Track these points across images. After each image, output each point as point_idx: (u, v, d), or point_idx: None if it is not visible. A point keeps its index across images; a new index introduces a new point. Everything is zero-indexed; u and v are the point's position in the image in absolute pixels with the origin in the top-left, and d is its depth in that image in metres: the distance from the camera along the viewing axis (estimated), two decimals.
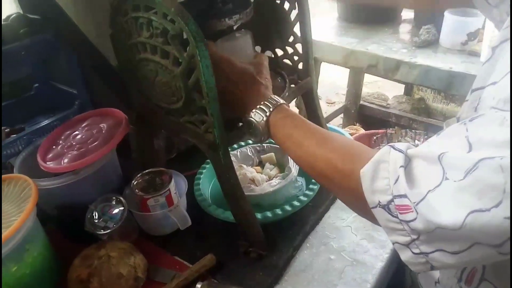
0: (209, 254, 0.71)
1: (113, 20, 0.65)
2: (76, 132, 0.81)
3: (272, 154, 0.93)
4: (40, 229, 0.68)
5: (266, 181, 0.84)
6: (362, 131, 1.94)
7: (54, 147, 0.79)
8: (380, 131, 1.87)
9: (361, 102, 2.22)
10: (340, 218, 0.81)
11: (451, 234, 0.37)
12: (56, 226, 0.79)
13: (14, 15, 0.84)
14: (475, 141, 0.37)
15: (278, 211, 0.75)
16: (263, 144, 0.94)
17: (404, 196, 0.40)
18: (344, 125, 2.24)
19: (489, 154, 0.35)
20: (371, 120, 2.17)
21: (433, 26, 1.46)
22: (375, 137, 1.85)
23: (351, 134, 1.36)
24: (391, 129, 1.83)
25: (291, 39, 0.78)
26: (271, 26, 0.78)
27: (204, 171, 0.89)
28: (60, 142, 0.80)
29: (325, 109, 2.56)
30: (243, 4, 0.68)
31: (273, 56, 0.83)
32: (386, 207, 0.42)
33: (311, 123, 0.58)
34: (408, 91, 2.37)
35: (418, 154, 0.41)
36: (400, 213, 0.40)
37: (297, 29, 0.76)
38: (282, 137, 0.58)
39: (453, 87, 1.30)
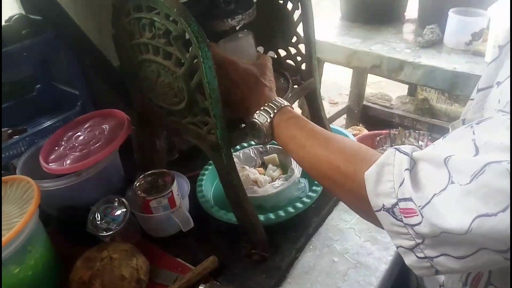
0: (212, 256, 0.70)
1: (115, 20, 0.64)
2: (79, 133, 0.81)
3: (275, 155, 0.92)
4: (42, 230, 0.68)
5: (269, 183, 0.84)
6: (365, 131, 1.94)
7: (56, 148, 0.79)
8: (383, 131, 1.86)
9: (364, 102, 2.21)
10: (343, 220, 0.81)
11: (456, 239, 0.36)
12: (58, 228, 0.78)
13: (16, 15, 0.84)
14: (482, 145, 0.36)
15: (281, 213, 0.75)
16: (266, 145, 0.93)
17: (409, 199, 0.39)
18: (347, 126, 2.23)
19: (496, 158, 0.34)
20: (374, 121, 2.16)
21: (437, 26, 1.45)
22: (378, 138, 1.84)
23: (354, 135, 1.35)
24: (394, 129, 1.83)
25: (294, 39, 0.77)
26: (274, 26, 0.78)
27: (206, 172, 0.89)
28: (62, 143, 0.80)
29: (328, 110, 2.56)
30: (246, 5, 0.67)
31: (276, 56, 0.82)
32: (390, 210, 0.41)
33: (315, 124, 0.57)
34: (412, 91, 2.35)
35: (423, 157, 0.41)
36: (405, 217, 0.40)
37: (300, 29, 0.75)
38: (285, 138, 0.58)
39: (457, 87, 1.29)
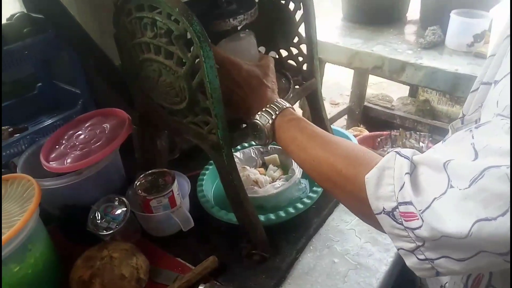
0: (212, 256, 0.70)
1: (117, 20, 0.64)
2: (79, 132, 0.81)
3: (276, 155, 0.92)
4: (43, 229, 0.68)
5: (270, 183, 0.84)
6: (366, 132, 1.94)
7: (57, 147, 0.79)
8: (384, 133, 1.86)
9: (366, 103, 2.21)
10: (344, 221, 0.81)
11: (457, 242, 0.36)
12: (58, 227, 0.78)
13: (18, 14, 0.84)
14: (481, 149, 0.36)
15: (282, 213, 0.75)
16: (267, 146, 0.93)
17: (410, 203, 0.39)
18: (348, 127, 2.23)
19: (495, 162, 0.34)
20: (375, 122, 2.15)
21: (439, 27, 1.45)
22: (379, 139, 1.84)
23: (355, 136, 1.35)
24: (395, 131, 1.82)
25: (295, 39, 0.77)
26: (275, 27, 0.78)
27: (207, 172, 0.89)
28: (63, 142, 0.80)
29: (329, 110, 2.55)
30: (248, 5, 0.67)
31: (277, 56, 0.82)
32: (390, 213, 0.41)
33: (316, 126, 0.57)
34: (413, 92, 2.35)
35: (423, 161, 0.41)
36: (405, 220, 0.40)
37: (301, 29, 0.75)
38: (287, 140, 0.58)
39: (458, 89, 1.29)
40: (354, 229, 0.79)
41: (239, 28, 0.69)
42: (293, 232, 0.77)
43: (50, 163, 0.74)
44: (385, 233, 0.44)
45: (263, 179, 0.84)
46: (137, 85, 0.72)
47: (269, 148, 0.94)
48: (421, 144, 1.73)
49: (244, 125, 0.68)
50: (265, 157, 0.93)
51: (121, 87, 0.82)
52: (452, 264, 0.39)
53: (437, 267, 0.40)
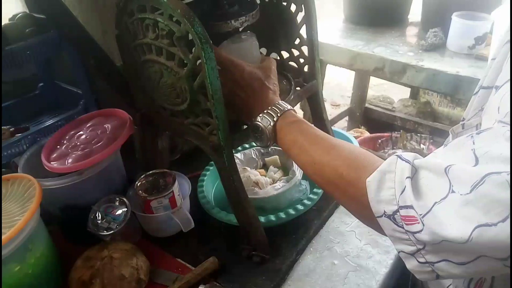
0: (212, 257, 0.70)
1: (119, 20, 0.65)
2: (81, 132, 0.81)
3: (277, 156, 0.92)
4: (43, 229, 0.68)
5: (270, 184, 0.84)
6: (367, 134, 1.94)
7: (58, 147, 0.79)
8: (385, 134, 1.86)
9: (367, 105, 2.21)
10: (344, 223, 0.81)
11: (457, 247, 0.37)
12: (59, 227, 0.79)
13: (20, 14, 0.84)
14: (482, 155, 0.37)
15: (282, 215, 0.75)
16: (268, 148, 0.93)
17: (410, 207, 0.39)
18: (348, 128, 2.23)
19: (496, 169, 0.34)
20: (376, 123, 2.15)
21: (440, 30, 1.45)
22: (380, 141, 1.84)
23: (356, 137, 1.35)
24: (396, 132, 1.83)
25: (297, 41, 0.77)
26: (277, 28, 0.78)
27: (207, 173, 0.89)
28: (65, 142, 0.80)
29: (330, 112, 2.55)
30: (250, 6, 0.68)
31: (278, 58, 0.82)
32: (391, 217, 0.42)
33: (318, 129, 0.57)
34: (414, 94, 2.35)
35: (425, 165, 0.41)
36: (406, 224, 0.40)
37: (303, 31, 0.75)
38: (288, 142, 0.58)
39: (459, 91, 1.29)
40: (354, 231, 0.79)
41: (240, 29, 0.69)
42: (293, 233, 0.77)
43: (51, 163, 0.74)
44: (386, 235, 0.44)
45: (263, 180, 0.84)
46: (139, 85, 0.72)
47: (269, 149, 0.94)
48: (421, 146, 1.73)
49: (245, 127, 0.68)
50: (265, 158, 0.93)
51: (123, 87, 0.82)
52: (452, 268, 0.39)
53: (437, 270, 0.40)
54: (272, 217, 0.74)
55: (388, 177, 0.42)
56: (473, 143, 0.38)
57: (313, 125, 0.59)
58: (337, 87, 2.94)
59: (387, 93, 2.50)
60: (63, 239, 0.77)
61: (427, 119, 2.14)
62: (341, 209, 0.84)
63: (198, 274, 0.68)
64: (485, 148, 0.37)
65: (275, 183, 0.84)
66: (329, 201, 0.83)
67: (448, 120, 2.21)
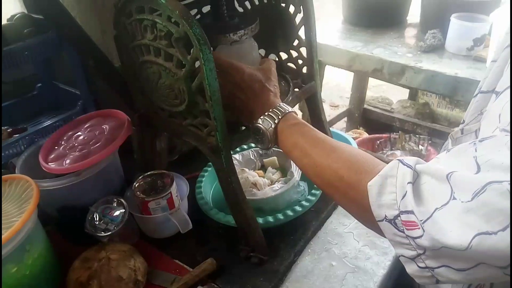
0: (210, 258, 0.70)
1: (117, 21, 0.64)
2: (79, 133, 0.81)
3: (275, 158, 0.92)
4: (41, 230, 0.68)
5: (268, 185, 0.84)
6: (365, 135, 1.94)
7: (56, 147, 0.79)
8: (383, 135, 1.86)
9: (365, 106, 2.21)
10: (342, 224, 0.81)
11: (457, 254, 0.37)
12: (56, 228, 0.78)
13: (18, 14, 0.84)
14: (483, 163, 0.37)
15: (280, 216, 0.74)
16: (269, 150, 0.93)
17: (411, 212, 0.39)
18: (347, 129, 2.23)
19: (498, 177, 0.34)
20: (375, 124, 2.16)
21: (439, 31, 1.45)
22: (378, 142, 1.84)
23: (355, 138, 1.36)
24: (395, 133, 1.83)
25: (295, 42, 0.77)
26: (276, 29, 0.78)
27: (206, 174, 0.89)
28: (62, 143, 0.80)
29: (329, 113, 2.56)
30: (250, 18, 0.67)
31: (277, 59, 0.82)
32: (392, 221, 0.42)
33: (319, 131, 0.57)
34: (413, 95, 2.36)
35: (426, 170, 0.41)
36: (407, 229, 0.40)
37: (301, 32, 0.75)
38: (289, 145, 0.58)
39: (458, 92, 1.30)
40: (352, 232, 0.79)
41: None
42: (291, 234, 0.77)
43: (49, 164, 0.74)
44: (387, 239, 0.44)
45: (262, 181, 0.84)
46: (137, 86, 0.72)
47: (268, 150, 0.94)
48: (420, 147, 1.73)
49: (243, 128, 0.68)
50: (264, 160, 0.93)
51: (121, 88, 0.82)
52: (452, 274, 0.39)
53: (437, 275, 0.40)
54: (270, 218, 0.74)
55: (389, 181, 0.42)
56: (475, 151, 0.38)
57: (314, 127, 0.59)
58: (335, 88, 2.94)
59: (386, 94, 2.51)
60: (61, 240, 0.77)
61: (425, 120, 2.15)
62: (339, 210, 0.84)
63: (196, 275, 0.68)
64: (487, 156, 0.37)
65: (273, 184, 0.84)
66: (327, 203, 0.83)
67: (447, 121, 2.21)
